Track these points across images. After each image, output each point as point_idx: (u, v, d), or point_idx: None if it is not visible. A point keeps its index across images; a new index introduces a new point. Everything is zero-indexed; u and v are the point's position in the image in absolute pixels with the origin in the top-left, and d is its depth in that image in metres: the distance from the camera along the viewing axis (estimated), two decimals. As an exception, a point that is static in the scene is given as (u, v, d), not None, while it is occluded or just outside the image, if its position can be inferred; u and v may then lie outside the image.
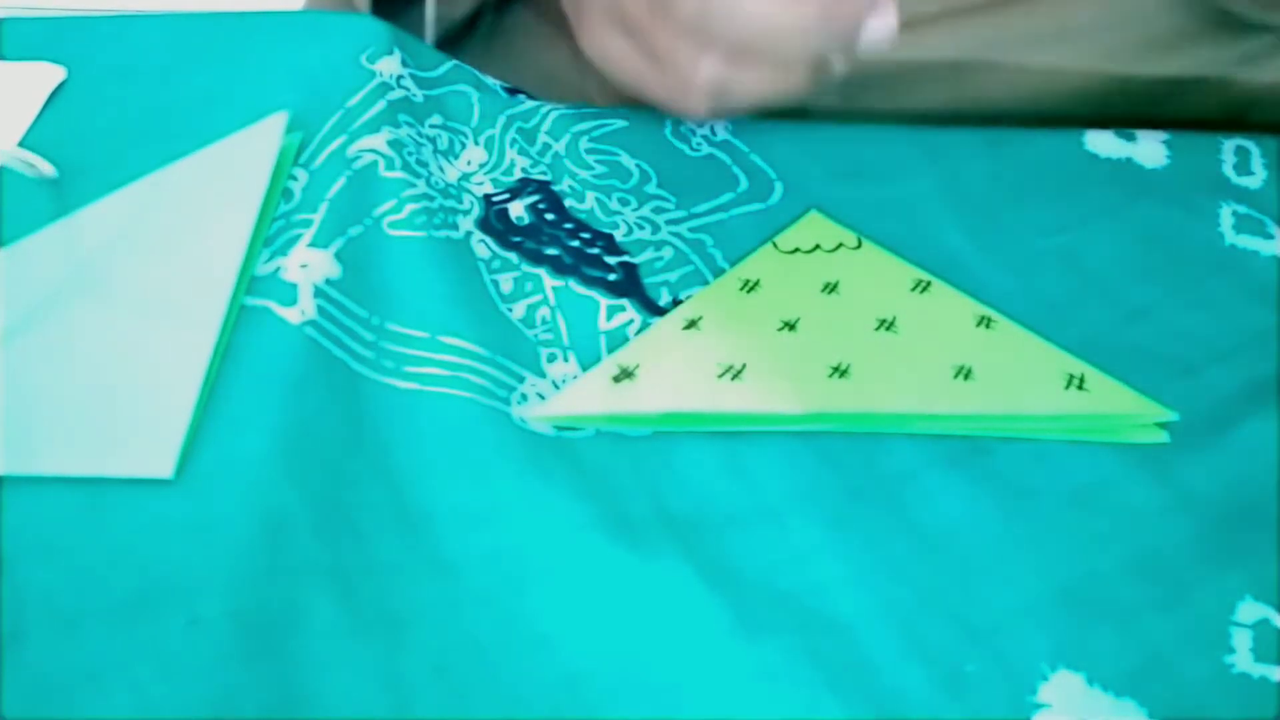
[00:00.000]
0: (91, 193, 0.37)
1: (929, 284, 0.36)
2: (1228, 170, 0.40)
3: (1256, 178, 0.40)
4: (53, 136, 0.39)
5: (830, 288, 0.35)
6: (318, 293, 0.36)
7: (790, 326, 0.34)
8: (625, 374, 0.33)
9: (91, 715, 0.27)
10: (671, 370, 0.34)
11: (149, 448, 0.31)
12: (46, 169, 0.36)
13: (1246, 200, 0.38)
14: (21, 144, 0.38)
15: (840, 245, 0.37)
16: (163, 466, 0.31)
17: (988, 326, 0.34)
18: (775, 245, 0.37)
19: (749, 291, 0.36)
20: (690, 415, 0.33)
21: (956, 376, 0.33)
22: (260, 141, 0.38)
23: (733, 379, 0.33)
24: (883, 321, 0.34)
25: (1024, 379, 0.33)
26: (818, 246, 0.37)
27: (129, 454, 0.31)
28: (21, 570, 0.29)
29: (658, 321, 0.36)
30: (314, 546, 0.30)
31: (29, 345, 0.33)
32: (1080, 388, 0.33)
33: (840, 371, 0.33)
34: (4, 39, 0.41)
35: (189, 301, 0.35)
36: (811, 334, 0.34)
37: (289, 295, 0.35)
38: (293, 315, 0.35)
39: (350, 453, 0.33)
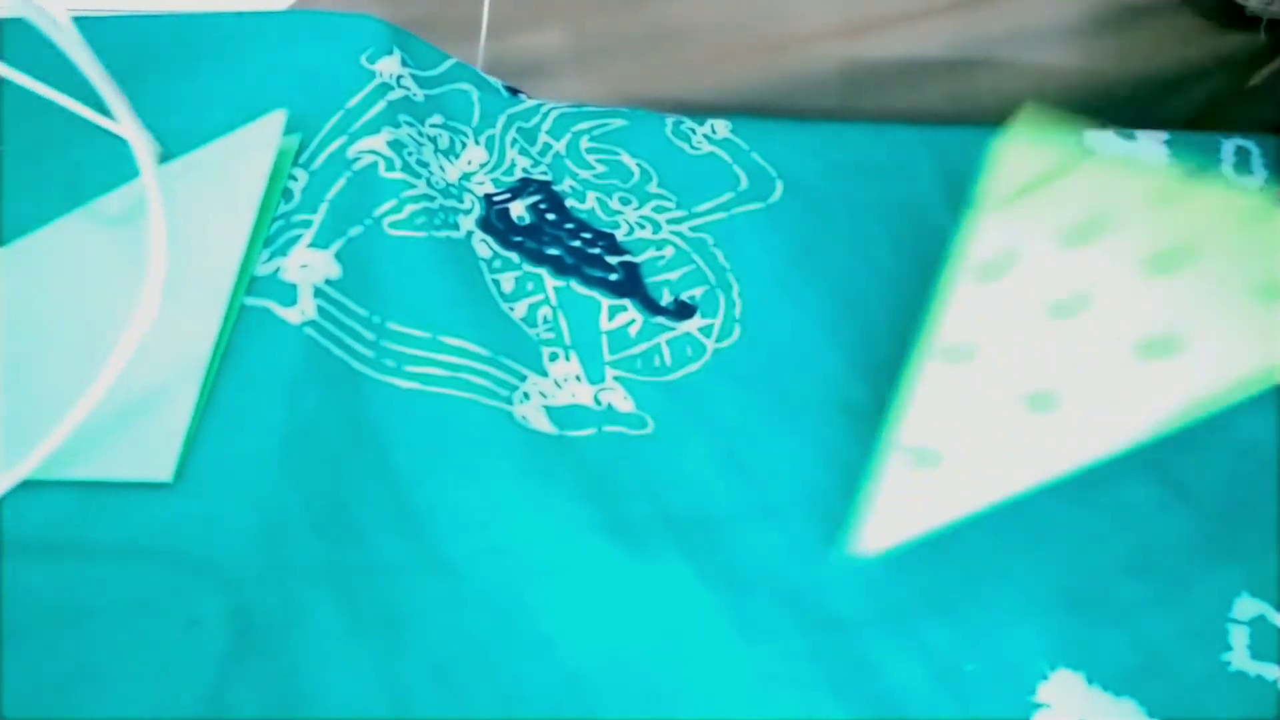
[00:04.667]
0: (89, 193, 0.37)
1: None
2: (1227, 170, 0.40)
3: (1256, 177, 0.40)
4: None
5: (1082, 232, 0.25)
6: (318, 293, 0.36)
7: (1068, 311, 0.25)
8: (925, 460, 0.26)
9: (91, 715, 0.27)
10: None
11: (149, 451, 0.31)
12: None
13: (1248, 199, 0.38)
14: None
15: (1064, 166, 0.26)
16: (162, 470, 0.31)
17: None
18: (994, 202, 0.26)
19: (992, 277, 0.26)
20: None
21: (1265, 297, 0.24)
22: (259, 139, 0.38)
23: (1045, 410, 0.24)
24: (1163, 256, 0.25)
25: None
26: (1041, 177, 0.26)
27: (129, 457, 0.31)
28: (22, 570, 0.29)
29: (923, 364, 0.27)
30: (314, 546, 0.30)
31: (28, 346, 0.33)
32: None
33: (1157, 349, 0.24)
34: (5, 39, 0.41)
35: (187, 302, 0.34)
36: (1103, 312, 0.25)
37: (289, 295, 0.35)
38: (293, 315, 0.35)
39: (350, 453, 0.33)
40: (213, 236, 0.36)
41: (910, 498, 0.25)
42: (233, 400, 0.33)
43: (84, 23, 0.40)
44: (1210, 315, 0.25)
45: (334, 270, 0.36)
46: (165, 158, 0.38)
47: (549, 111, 0.43)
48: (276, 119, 0.39)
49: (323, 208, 0.38)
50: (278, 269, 0.36)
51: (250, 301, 0.35)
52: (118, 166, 0.37)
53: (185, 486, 0.31)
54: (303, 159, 0.39)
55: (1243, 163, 0.41)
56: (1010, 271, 0.26)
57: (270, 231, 0.37)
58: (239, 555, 0.30)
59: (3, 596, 0.29)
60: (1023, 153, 0.27)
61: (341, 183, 0.39)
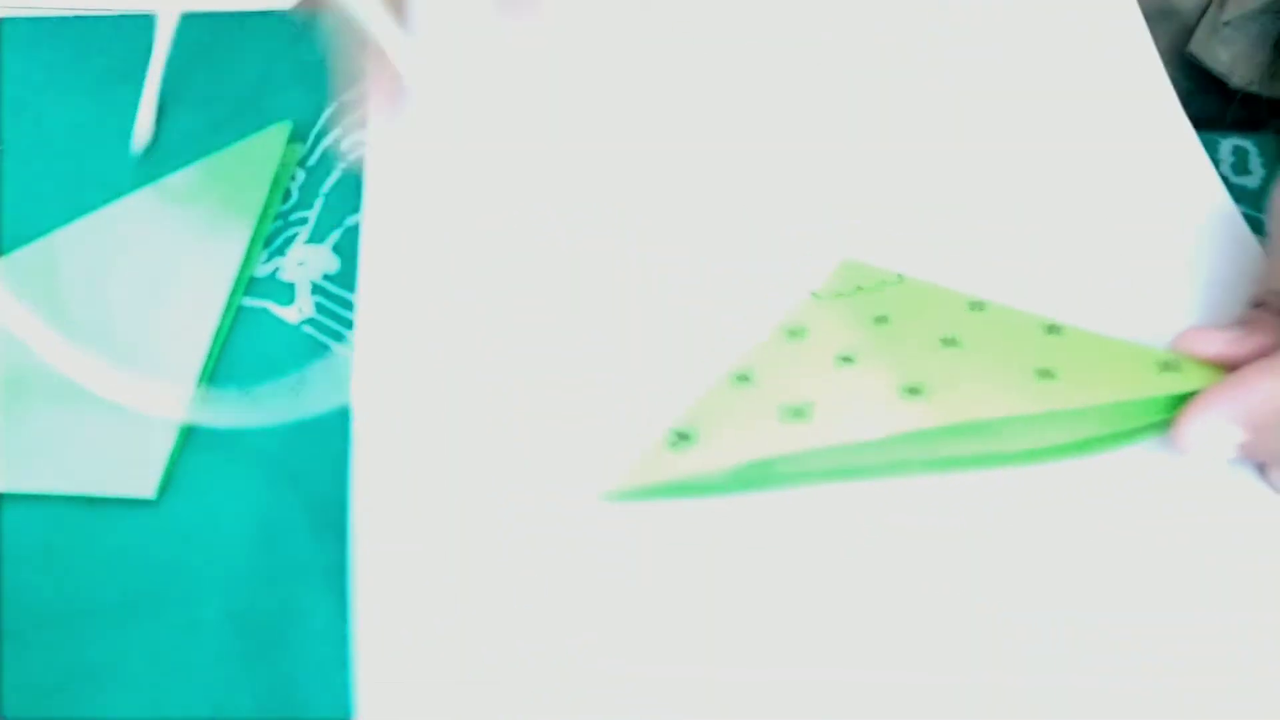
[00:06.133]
0: (89, 193, 0.38)
1: (984, 304, 0.33)
2: (1225, 170, 0.40)
3: (1254, 177, 0.40)
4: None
5: (881, 320, 0.33)
6: (315, 289, 0.36)
7: (848, 360, 0.31)
8: (682, 438, 0.30)
9: (91, 715, 0.27)
10: (732, 425, 0.30)
11: (133, 467, 0.32)
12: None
13: (1245, 200, 0.38)
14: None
15: (882, 283, 0.34)
16: (145, 486, 0.31)
17: (1058, 334, 0.32)
18: (814, 295, 0.35)
19: (796, 339, 0.33)
20: (763, 465, 0.30)
21: (1040, 379, 0.30)
22: (260, 153, 0.38)
23: (799, 419, 0.30)
24: (946, 339, 0.32)
25: (1112, 369, 0.30)
26: (859, 288, 0.34)
27: (113, 473, 0.31)
28: (22, 571, 0.29)
29: (707, 384, 0.32)
30: (312, 546, 0.30)
31: (20, 360, 0.33)
32: (1175, 370, 0.30)
33: (913, 390, 0.30)
34: (4, 39, 0.41)
35: (180, 319, 0.35)
36: (873, 363, 0.31)
37: (287, 295, 0.36)
38: (291, 315, 0.35)
39: (349, 451, 0.33)
40: (208, 256, 0.36)
41: (657, 461, 0.30)
42: (231, 400, 0.33)
43: (84, 23, 0.40)
44: (960, 375, 0.30)
45: (332, 264, 0.37)
46: (169, 156, 0.38)
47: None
48: (279, 132, 0.39)
49: (318, 203, 0.38)
50: (276, 269, 0.36)
51: (248, 302, 0.36)
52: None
53: (183, 487, 0.31)
54: (298, 156, 0.39)
55: (1240, 162, 0.41)
56: (808, 337, 0.33)
57: (268, 231, 0.37)
58: (238, 556, 0.30)
59: (3, 597, 0.29)
60: (848, 272, 0.35)
61: (336, 175, 0.39)
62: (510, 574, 0.29)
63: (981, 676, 0.28)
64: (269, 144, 0.39)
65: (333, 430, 0.33)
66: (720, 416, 0.31)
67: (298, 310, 0.35)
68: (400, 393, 0.32)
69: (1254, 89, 0.45)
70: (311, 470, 0.32)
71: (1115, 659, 0.28)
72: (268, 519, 0.31)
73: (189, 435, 0.32)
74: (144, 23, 0.41)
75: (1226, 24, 0.44)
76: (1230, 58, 0.45)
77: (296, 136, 0.39)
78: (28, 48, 0.40)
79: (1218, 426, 0.29)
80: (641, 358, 0.33)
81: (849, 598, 0.29)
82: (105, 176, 0.38)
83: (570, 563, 0.29)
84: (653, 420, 0.31)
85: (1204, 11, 0.46)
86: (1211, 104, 0.46)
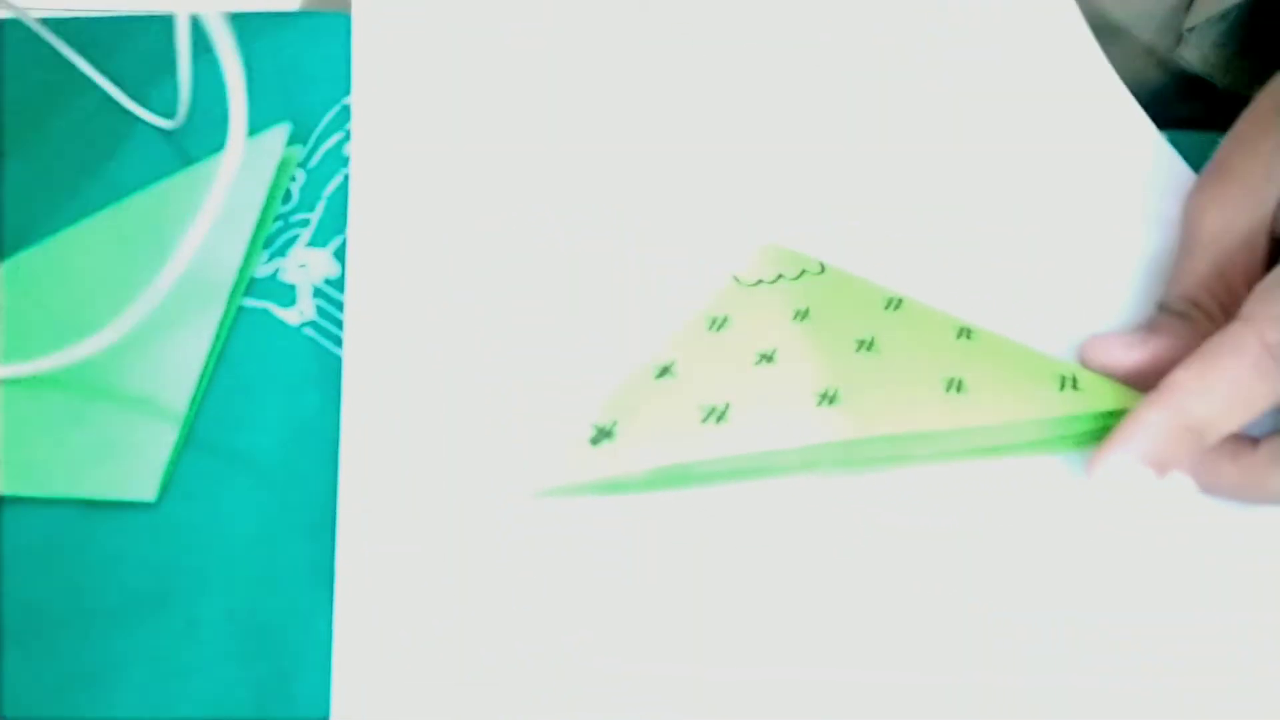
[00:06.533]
0: (91, 194, 0.38)
1: (901, 301, 0.34)
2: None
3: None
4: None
5: (801, 315, 0.33)
6: (317, 293, 0.36)
7: (768, 359, 0.32)
8: (603, 434, 0.31)
9: (91, 716, 0.27)
10: (651, 423, 0.31)
11: (133, 469, 0.32)
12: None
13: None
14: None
15: (804, 271, 0.35)
16: (145, 489, 0.31)
17: (969, 337, 0.33)
18: (737, 279, 0.35)
19: (718, 329, 0.33)
20: (680, 467, 0.31)
21: (949, 390, 0.31)
22: (261, 154, 0.38)
23: (717, 421, 0.31)
24: (862, 342, 0.32)
25: (1016, 385, 0.31)
26: (781, 275, 0.35)
27: (112, 475, 0.31)
28: (22, 573, 0.29)
29: (629, 373, 0.33)
30: (312, 548, 0.30)
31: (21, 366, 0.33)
32: (1075, 388, 0.31)
33: (829, 398, 0.31)
34: (4, 39, 0.41)
35: (180, 322, 0.35)
36: (792, 364, 0.32)
37: (288, 296, 0.36)
38: (291, 316, 0.35)
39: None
40: (207, 259, 0.36)
41: (578, 459, 0.31)
42: (231, 401, 0.33)
43: (83, 23, 0.40)
44: (874, 383, 0.31)
45: (333, 269, 0.36)
46: (169, 159, 0.39)
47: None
48: (279, 134, 0.39)
49: (320, 206, 0.38)
50: (277, 270, 0.36)
51: (249, 303, 0.36)
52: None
53: (184, 487, 0.31)
54: (299, 158, 0.39)
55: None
56: (730, 328, 0.33)
57: (269, 232, 0.37)
58: (238, 558, 0.30)
59: (3, 599, 0.29)
60: (771, 258, 0.36)
61: (339, 179, 0.39)
62: (478, 573, 0.29)
63: (979, 677, 0.28)
64: (269, 146, 0.39)
65: (332, 432, 0.33)
66: (641, 412, 0.31)
67: (299, 313, 0.35)
68: (384, 393, 0.32)
69: (1239, 90, 0.46)
70: (311, 472, 0.32)
71: (1115, 659, 0.28)
72: (268, 521, 0.31)
73: (189, 438, 0.32)
74: (143, 23, 0.42)
75: (1190, 30, 0.44)
76: (1220, 60, 0.45)
77: (297, 138, 0.39)
78: (29, 48, 0.40)
79: (1127, 467, 0.30)
80: (579, 342, 0.34)
81: (846, 597, 0.29)
82: (107, 176, 0.38)
83: (529, 560, 0.30)
84: (580, 410, 0.32)
85: (1182, 15, 0.46)
86: (1208, 106, 0.46)
